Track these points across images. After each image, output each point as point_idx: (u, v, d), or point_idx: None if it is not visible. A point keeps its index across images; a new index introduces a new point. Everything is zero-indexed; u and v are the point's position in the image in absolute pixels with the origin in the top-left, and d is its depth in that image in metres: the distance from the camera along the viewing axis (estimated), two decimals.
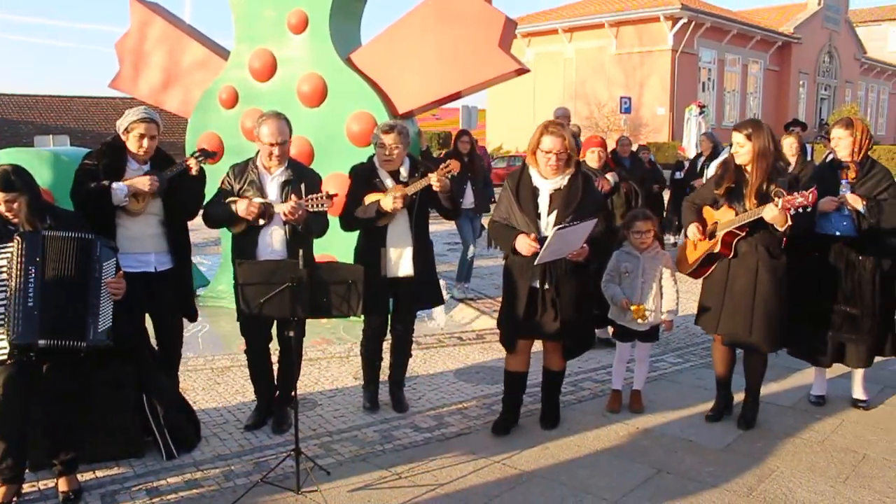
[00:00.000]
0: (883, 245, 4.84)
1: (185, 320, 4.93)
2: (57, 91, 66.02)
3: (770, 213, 4.34)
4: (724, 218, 4.63)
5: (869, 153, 4.95)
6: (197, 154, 4.71)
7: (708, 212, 4.76)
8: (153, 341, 4.78)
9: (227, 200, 4.56)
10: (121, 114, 4.62)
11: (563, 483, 4.11)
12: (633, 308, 4.88)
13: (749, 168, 4.57)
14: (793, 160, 8.49)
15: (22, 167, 3.97)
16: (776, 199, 4.33)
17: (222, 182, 4.70)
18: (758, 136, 4.51)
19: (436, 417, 5.04)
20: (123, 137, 4.51)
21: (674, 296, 5.02)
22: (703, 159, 11.36)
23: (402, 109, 7.43)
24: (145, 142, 4.50)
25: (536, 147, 4.45)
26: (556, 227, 4.22)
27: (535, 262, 4.33)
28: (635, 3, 31.52)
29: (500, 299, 4.88)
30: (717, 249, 4.64)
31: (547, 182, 4.48)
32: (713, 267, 4.76)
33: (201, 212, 4.76)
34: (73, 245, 3.89)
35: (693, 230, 4.70)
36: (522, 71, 7.12)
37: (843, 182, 4.85)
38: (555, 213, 4.43)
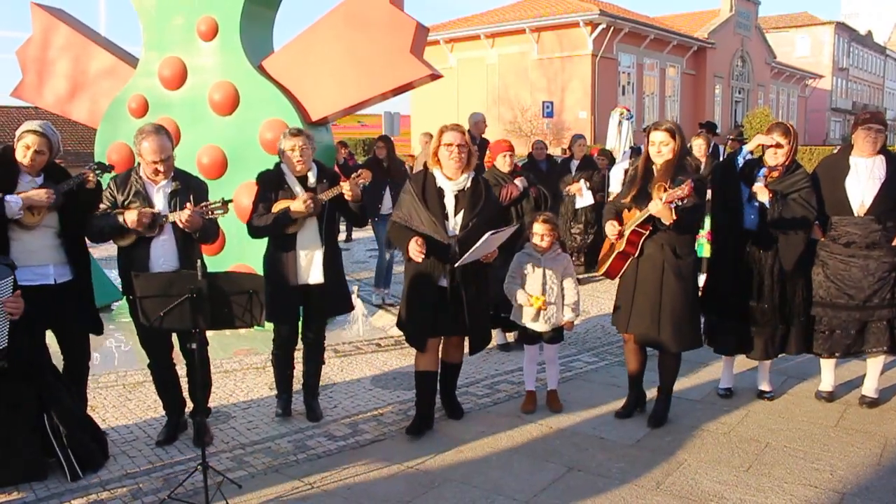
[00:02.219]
0: (783, 241, 5.00)
1: (91, 335, 4.80)
2: None
3: (654, 207, 4.48)
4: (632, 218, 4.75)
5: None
6: (94, 166, 4.61)
7: (626, 215, 4.86)
8: (54, 357, 4.63)
9: (114, 212, 4.45)
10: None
11: (475, 485, 4.14)
12: (533, 299, 4.95)
13: (660, 167, 4.69)
14: (703, 160, 8.77)
15: None
16: (658, 193, 4.48)
17: (104, 195, 4.56)
18: (679, 136, 4.67)
19: (351, 425, 5.02)
20: (16, 149, 4.38)
21: (575, 296, 5.12)
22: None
23: (316, 116, 7.38)
24: (30, 153, 4.37)
25: (438, 145, 4.65)
26: (489, 233, 4.40)
27: (457, 265, 4.49)
28: (556, 9, 31.96)
29: None
30: (622, 248, 4.75)
31: (451, 183, 4.65)
32: (626, 266, 4.86)
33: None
34: None
35: (610, 227, 4.79)
36: (436, 76, 7.16)
37: (759, 174, 5.02)
38: (461, 213, 4.61)
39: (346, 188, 4.70)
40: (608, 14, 31.00)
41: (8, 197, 4.24)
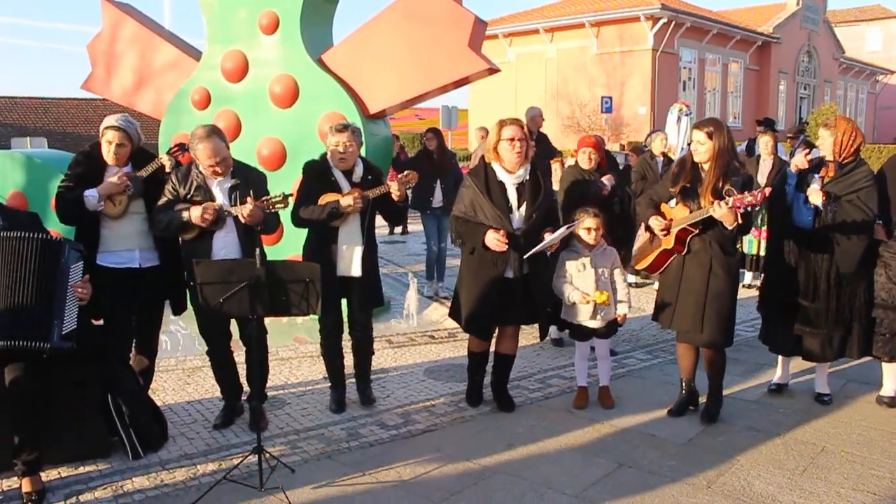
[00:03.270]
0: (840, 244, 4.89)
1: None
2: (36, 93, 65.51)
3: (718, 211, 4.42)
4: (679, 215, 4.70)
5: (858, 153, 4.95)
6: (172, 149, 4.75)
7: (665, 208, 4.83)
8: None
9: (178, 207, 4.57)
10: (100, 115, 4.70)
11: (525, 478, 4.16)
12: (595, 295, 4.94)
13: (706, 166, 4.64)
14: (769, 159, 8.58)
15: None
16: (726, 197, 4.42)
17: (166, 188, 4.68)
18: (718, 136, 4.58)
19: (403, 415, 5.08)
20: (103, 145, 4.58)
21: (625, 289, 5.11)
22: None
23: (374, 109, 7.46)
24: (112, 148, 4.57)
25: (498, 140, 4.74)
26: (564, 227, 4.69)
27: (526, 256, 4.66)
28: (616, 3, 31.60)
29: None
30: (670, 246, 4.71)
31: (511, 176, 4.77)
32: (668, 263, 4.82)
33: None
34: (34, 246, 3.90)
35: (655, 222, 4.76)
36: (494, 71, 7.18)
37: (816, 176, 4.91)
38: (524, 205, 4.75)
39: (393, 188, 4.77)
40: (670, 8, 30.52)
41: (86, 192, 4.45)
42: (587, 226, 5.05)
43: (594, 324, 5.07)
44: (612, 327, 5.19)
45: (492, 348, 5.22)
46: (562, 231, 4.67)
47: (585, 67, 32.32)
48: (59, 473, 4.23)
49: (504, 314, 4.90)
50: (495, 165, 4.80)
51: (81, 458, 4.38)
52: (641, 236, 5.04)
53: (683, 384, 5.06)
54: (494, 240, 4.59)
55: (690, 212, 4.64)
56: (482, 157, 4.99)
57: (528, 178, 4.80)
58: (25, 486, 3.96)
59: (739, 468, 4.26)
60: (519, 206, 4.77)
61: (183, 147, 4.84)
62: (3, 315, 3.80)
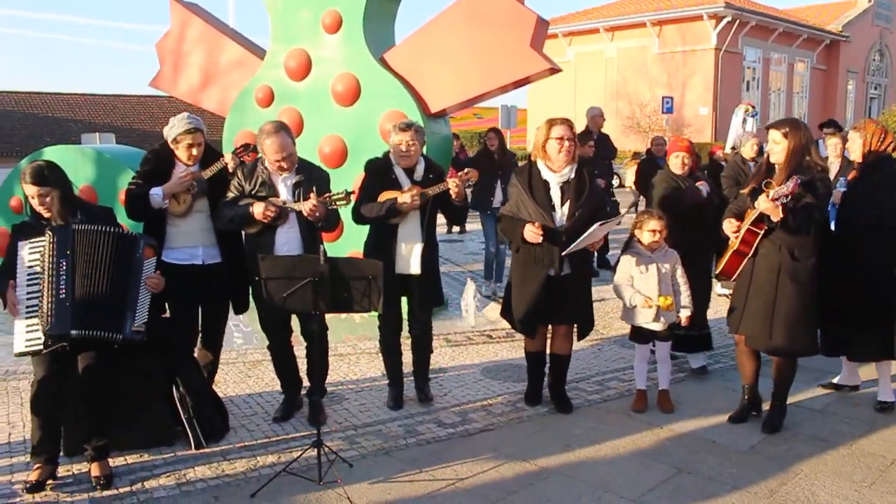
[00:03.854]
0: (864, 243, 4.84)
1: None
2: (104, 90, 67.38)
3: (762, 203, 4.34)
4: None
5: (890, 153, 4.89)
6: (238, 150, 4.84)
7: (749, 212, 4.73)
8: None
9: (243, 202, 4.66)
10: (165, 112, 4.81)
11: (582, 480, 4.13)
12: (660, 300, 4.89)
13: (780, 167, 4.54)
14: (837, 161, 8.34)
15: (56, 164, 4.13)
16: (767, 190, 4.34)
17: (232, 184, 4.77)
18: (794, 135, 4.49)
19: (460, 414, 5.09)
20: (172, 147, 4.67)
21: (687, 292, 5.02)
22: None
23: (435, 108, 7.49)
24: (194, 150, 4.68)
25: (547, 139, 4.78)
26: (598, 223, 4.58)
27: (565, 253, 4.66)
28: (678, 2, 31.14)
29: None
30: (737, 247, 4.63)
31: (556, 175, 4.80)
32: (741, 266, 4.73)
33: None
34: (110, 240, 4.03)
35: (728, 224, 4.69)
36: (555, 70, 7.13)
37: (842, 179, 4.83)
38: (567, 203, 4.76)
39: (452, 185, 4.78)
40: (734, 6, 29.96)
41: (152, 190, 4.57)
42: (651, 228, 4.99)
43: (656, 326, 5.01)
44: (671, 330, 5.11)
45: (548, 350, 5.21)
46: (596, 228, 4.60)
47: (646, 67, 31.93)
48: (126, 460, 4.36)
49: (547, 313, 4.92)
50: (540, 164, 4.86)
51: (146, 445, 4.51)
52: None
53: (745, 390, 4.97)
54: (530, 232, 4.63)
55: None
56: (529, 156, 5.04)
57: (573, 176, 4.82)
58: (94, 470, 4.10)
59: (803, 478, 4.16)
60: (562, 205, 4.79)
61: (248, 147, 4.92)
62: (80, 305, 3.93)
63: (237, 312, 5.12)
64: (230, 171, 4.79)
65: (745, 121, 11.53)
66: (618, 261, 5.16)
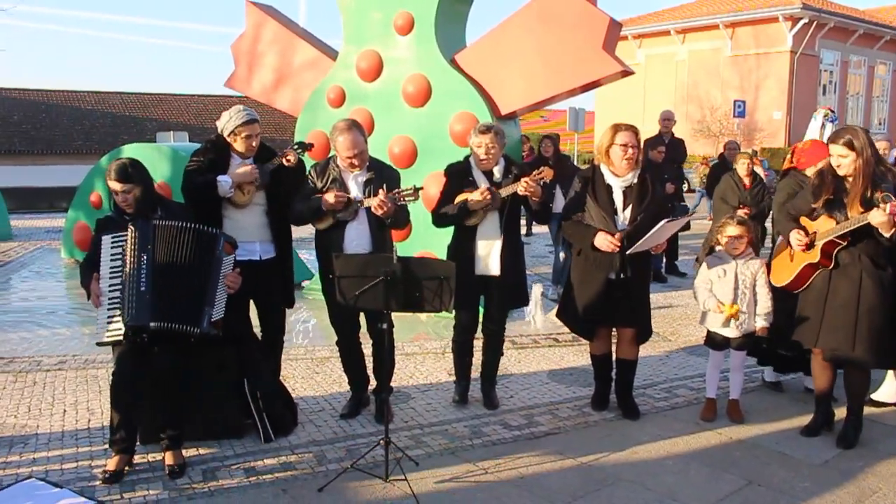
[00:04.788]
0: None
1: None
2: (178, 90, 69.26)
3: (878, 217, 4.16)
4: (823, 228, 4.47)
5: None
6: (295, 146, 4.91)
7: (805, 222, 4.61)
8: (255, 329, 5.01)
9: (313, 197, 4.74)
10: None
11: (649, 488, 4.08)
12: (725, 307, 4.79)
13: (850, 178, 4.39)
14: None
15: (138, 161, 4.27)
16: (883, 204, 4.16)
17: (305, 180, 4.85)
18: (858, 144, 4.33)
19: (526, 416, 5.08)
20: (229, 139, 4.75)
21: (768, 302, 4.90)
22: None
23: (505, 110, 7.49)
24: (253, 142, 4.75)
25: (610, 144, 4.78)
26: (663, 221, 4.54)
27: (629, 252, 4.65)
28: (753, 3, 30.46)
29: None
30: (816, 260, 4.49)
31: (618, 179, 4.80)
32: (811, 279, 4.60)
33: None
34: (189, 236, 4.15)
35: (796, 235, 4.56)
36: (627, 73, 7.07)
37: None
38: (630, 208, 4.76)
39: (521, 185, 4.76)
40: (811, 7, 29.15)
41: (219, 177, 4.63)
42: (730, 233, 4.91)
43: (728, 332, 4.92)
44: (748, 339, 5.00)
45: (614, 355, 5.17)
46: (663, 224, 4.54)
47: (718, 70, 31.33)
48: (198, 450, 4.47)
49: (605, 315, 4.91)
50: (603, 168, 4.86)
51: (217, 437, 4.62)
52: (780, 251, 4.84)
53: (819, 403, 4.83)
54: (606, 242, 4.63)
55: (837, 223, 4.41)
56: (592, 160, 5.03)
57: (635, 181, 4.81)
58: (168, 459, 4.21)
59: (881, 497, 4.02)
60: (625, 209, 4.79)
61: (304, 145, 4.99)
62: (158, 299, 4.05)
63: (286, 307, 5.16)
64: (291, 164, 4.85)
65: (823, 126, 11.21)
66: (700, 264, 5.10)
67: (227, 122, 4.71)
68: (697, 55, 32.06)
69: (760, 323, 4.91)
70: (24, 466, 4.26)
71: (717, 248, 5.05)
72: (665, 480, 4.18)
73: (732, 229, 4.92)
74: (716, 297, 4.89)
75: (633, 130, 4.81)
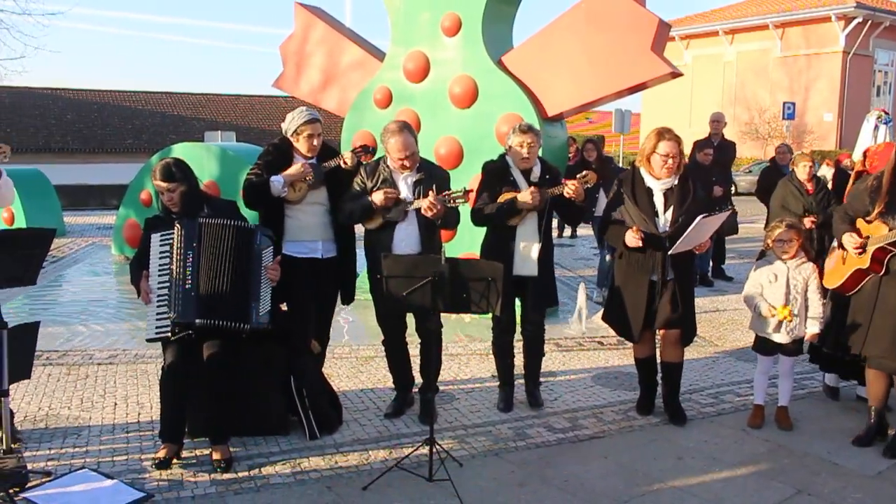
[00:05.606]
0: None
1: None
2: (225, 90, 70.34)
3: None
4: (877, 233, 4.38)
5: None
6: (356, 149, 4.96)
7: (861, 224, 4.52)
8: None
9: (363, 196, 4.77)
10: (282, 111, 4.94)
11: (694, 494, 4.04)
12: (778, 310, 4.72)
13: None
14: None
15: (182, 160, 4.35)
16: None
17: (355, 181, 4.88)
18: None
19: (570, 419, 5.06)
20: (292, 139, 4.81)
21: (820, 308, 4.81)
22: None
23: (552, 112, 7.46)
24: (314, 141, 4.80)
25: (652, 151, 4.75)
26: (700, 216, 4.48)
27: (670, 252, 4.64)
28: (804, 3, 29.91)
29: None
30: (865, 265, 4.41)
31: (659, 182, 4.78)
32: (863, 283, 4.51)
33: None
34: (231, 233, 4.22)
35: (849, 238, 4.48)
36: (676, 74, 7.00)
37: None
38: (671, 210, 4.74)
39: (569, 187, 4.75)
40: (866, 6, 28.53)
41: (272, 178, 4.70)
42: (779, 237, 4.83)
43: (779, 338, 4.84)
44: (798, 345, 4.92)
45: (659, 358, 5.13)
46: (700, 221, 4.46)
47: (767, 71, 30.85)
48: (244, 446, 4.52)
49: (648, 317, 4.87)
50: (643, 171, 4.83)
51: (262, 433, 4.68)
52: (834, 254, 4.75)
53: (872, 412, 4.73)
54: (631, 237, 4.61)
55: (890, 230, 4.32)
56: (633, 162, 5.01)
57: (676, 183, 4.78)
58: (216, 453, 4.28)
59: None
60: (665, 211, 4.76)
61: (366, 149, 5.02)
62: (204, 296, 4.13)
63: (345, 303, 5.22)
64: (347, 167, 4.89)
65: (876, 127, 10.95)
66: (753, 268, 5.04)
67: (290, 123, 4.79)
68: (746, 56, 31.60)
69: (811, 328, 4.82)
70: (78, 457, 4.37)
71: (768, 251, 4.96)
72: (712, 487, 4.13)
73: (782, 232, 4.84)
74: (766, 301, 4.81)
75: (677, 140, 4.75)
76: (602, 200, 8.55)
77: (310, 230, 4.86)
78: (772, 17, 30.29)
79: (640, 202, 4.75)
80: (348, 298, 5.19)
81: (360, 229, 5.01)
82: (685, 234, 4.52)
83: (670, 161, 4.70)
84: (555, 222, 5.74)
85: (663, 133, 4.78)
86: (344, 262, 5.03)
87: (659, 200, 4.78)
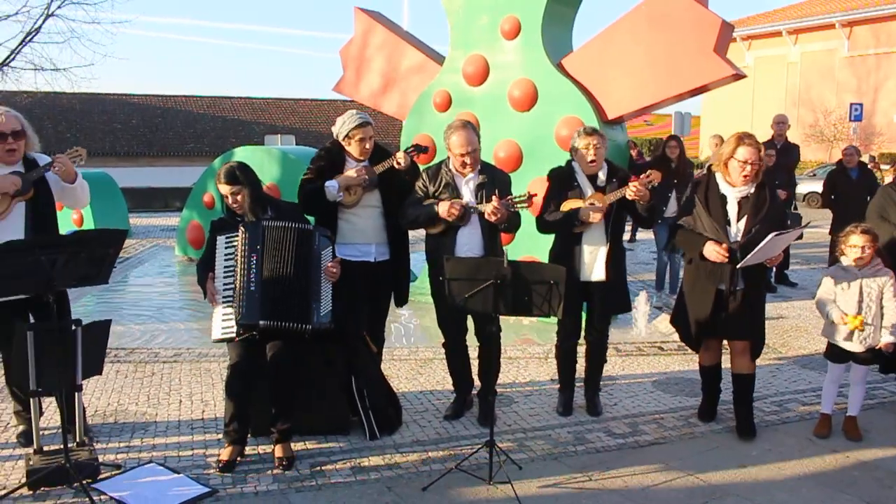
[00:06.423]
0: None
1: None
2: (284, 94, 71.44)
3: None
4: None
5: None
6: (409, 149, 4.99)
7: None
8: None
9: (427, 202, 4.80)
10: (341, 115, 4.96)
11: None
12: (849, 318, 4.60)
13: None
14: None
15: (246, 164, 4.43)
16: None
17: (416, 186, 4.91)
18: None
19: (630, 424, 5.01)
20: (344, 143, 4.86)
21: (894, 317, 4.66)
22: None
23: (612, 115, 7.41)
24: (367, 144, 4.84)
25: (730, 157, 4.60)
26: (773, 234, 4.31)
27: (739, 266, 4.49)
28: (872, 0, 29.09)
29: None
30: None
31: (734, 190, 4.63)
32: None
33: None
34: (293, 235, 4.28)
35: None
36: (739, 76, 6.89)
37: None
38: (744, 219, 4.58)
39: (631, 189, 4.70)
40: None
41: (327, 183, 4.77)
42: (853, 243, 4.70)
43: (851, 346, 4.71)
44: (872, 354, 4.78)
45: (725, 365, 5.02)
46: (771, 238, 4.31)
47: (832, 71, 30.09)
48: (306, 445, 4.59)
49: (715, 327, 4.76)
50: (719, 177, 4.70)
51: (324, 432, 4.73)
52: None
53: None
54: (715, 251, 4.49)
55: None
56: (708, 167, 4.90)
57: (752, 191, 4.62)
58: (278, 451, 4.35)
59: None
60: (738, 220, 4.60)
61: (419, 148, 5.04)
62: (268, 297, 4.20)
63: (398, 305, 5.24)
64: (401, 167, 4.91)
65: None
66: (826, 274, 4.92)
67: (341, 127, 4.82)
68: (810, 56, 30.87)
69: (886, 337, 4.68)
70: (145, 451, 4.49)
71: (842, 257, 4.83)
72: (776, 497, 4.04)
73: (856, 239, 4.70)
74: (839, 309, 4.69)
75: (757, 147, 4.57)
76: (673, 201, 8.46)
77: (363, 233, 4.90)
78: (838, 16, 29.53)
79: (713, 209, 4.62)
80: (401, 301, 5.21)
81: (417, 233, 5.04)
82: (756, 249, 4.37)
83: (749, 168, 4.53)
84: (627, 226, 5.67)
85: (743, 138, 4.61)
86: (397, 265, 5.06)
87: (732, 209, 4.63)
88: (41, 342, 3.87)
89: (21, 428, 4.62)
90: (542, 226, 5.03)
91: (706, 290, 4.69)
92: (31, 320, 4.26)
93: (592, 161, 4.89)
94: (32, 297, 4.17)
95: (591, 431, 4.88)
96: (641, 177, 4.75)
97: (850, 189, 8.99)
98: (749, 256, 4.41)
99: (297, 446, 4.51)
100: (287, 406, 4.44)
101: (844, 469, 4.41)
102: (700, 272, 4.70)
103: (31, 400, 4.13)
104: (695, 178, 4.89)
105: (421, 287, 8.59)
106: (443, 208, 4.67)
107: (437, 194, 4.81)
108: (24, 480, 3.97)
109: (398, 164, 4.89)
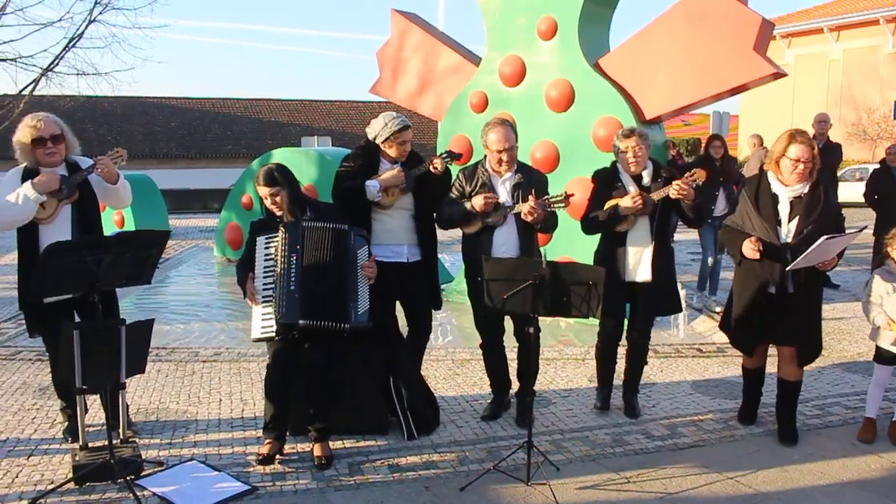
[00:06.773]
0: None
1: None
2: (320, 96, 72.03)
3: None
4: None
5: None
6: (444, 154, 5.00)
7: None
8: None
9: (462, 201, 4.81)
10: (376, 116, 4.98)
11: None
12: (894, 325, 4.51)
13: None
14: None
15: (284, 165, 4.48)
16: None
17: (453, 186, 4.92)
18: None
19: (669, 427, 4.97)
20: (383, 146, 4.87)
21: None
22: None
23: (650, 115, 7.35)
24: (407, 147, 4.87)
25: (782, 155, 4.48)
26: (824, 237, 4.18)
27: (788, 268, 4.38)
28: None
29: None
30: None
31: (787, 189, 4.51)
32: None
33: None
34: (330, 234, 4.33)
35: None
36: (780, 75, 6.80)
37: None
38: (796, 220, 4.47)
39: (674, 188, 4.65)
40: None
41: (367, 182, 4.79)
42: None
43: None
44: None
45: (769, 369, 4.96)
46: (822, 242, 4.18)
47: (876, 69, 29.44)
48: (344, 444, 4.62)
49: (764, 331, 4.67)
50: (771, 176, 4.58)
51: (361, 432, 4.76)
52: None
53: None
54: (748, 248, 4.41)
55: None
56: (761, 165, 4.79)
57: (805, 192, 4.49)
58: (317, 450, 4.39)
59: None
60: (790, 221, 4.49)
61: (453, 154, 5.06)
62: (307, 297, 4.24)
63: (435, 309, 5.22)
64: (437, 172, 4.92)
65: None
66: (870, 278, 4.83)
67: (381, 129, 4.84)
68: (853, 53, 30.25)
69: None
70: (186, 448, 4.56)
71: (888, 261, 4.74)
72: (819, 502, 3.98)
73: None
74: (885, 314, 4.60)
75: (810, 144, 4.45)
76: (721, 201, 8.36)
77: (396, 234, 4.92)
78: (882, 12, 28.87)
79: (763, 209, 4.52)
80: (436, 304, 5.20)
81: (453, 234, 5.03)
82: (806, 252, 4.24)
83: (801, 166, 4.42)
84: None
85: (795, 135, 4.50)
86: (428, 267, 5.07)
87: (784, 208, 4.52)
88: (87, 341, 3.94)
89: (67, 424, 4.72)
90: (587, 225, 5.00)
91: (755, 292, 4.59)
92: (77, 320, 4.36)
93: (633, 162, 4.85)
94: (79, 296, 4.26)
95: (630, 433, 4.85)
96: (685, 175, 4.69)
97: (893, 189, 8.83)
98: (799, 259, 4.29)
99: (335, 445, 4.54)
100: (326, 405, 4.48)
101: (890, 475, 4.33)
102: (749, 274, 4.60)
103: (77, 397, 4.22)
104: (748, 178, 4.77)
105: (457, 287, 8.63)
106: (476, 202, 4.69)
107: (473, 194, 4.82)
108: (70, 475, 4.06)
109: (435, 168, 4.91)
